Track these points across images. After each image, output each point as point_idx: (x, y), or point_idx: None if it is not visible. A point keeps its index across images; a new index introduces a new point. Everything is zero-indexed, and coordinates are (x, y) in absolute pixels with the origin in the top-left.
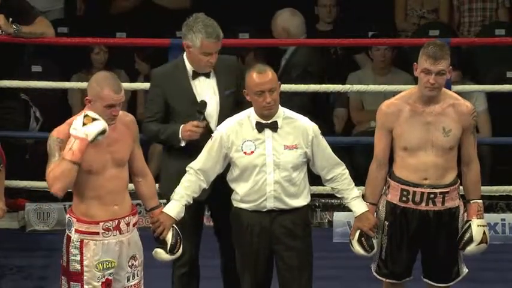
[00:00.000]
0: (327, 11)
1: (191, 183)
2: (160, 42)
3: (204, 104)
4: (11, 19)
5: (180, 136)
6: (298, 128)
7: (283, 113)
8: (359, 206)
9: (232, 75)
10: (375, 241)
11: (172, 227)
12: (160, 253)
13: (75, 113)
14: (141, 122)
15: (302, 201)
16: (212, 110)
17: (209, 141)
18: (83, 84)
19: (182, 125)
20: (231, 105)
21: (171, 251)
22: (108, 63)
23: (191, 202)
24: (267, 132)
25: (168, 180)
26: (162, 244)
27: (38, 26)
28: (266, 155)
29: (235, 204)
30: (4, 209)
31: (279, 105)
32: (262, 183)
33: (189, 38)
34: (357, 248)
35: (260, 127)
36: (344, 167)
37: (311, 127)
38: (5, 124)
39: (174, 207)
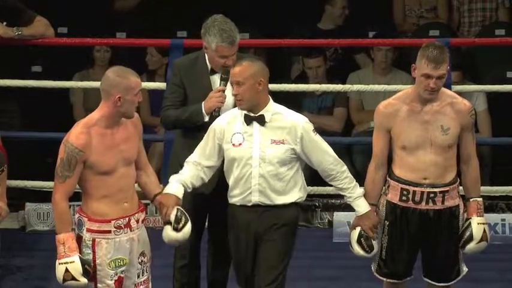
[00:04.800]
0: (342, 13)
1: (189, 171)
2: (160, 42)
3: (227, 71)
4: (5, 23)
5: (203, 111)
6: (287, 124)
7: (273, 108)
8: (362, 205)
9: None
10: (374, 242)
11: (178, 208)
12: (167, 230)
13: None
14: (144, 121)
15: (290, 198)
16: (227, 106)
17: (206, 134)
18: (83, 83)
19: (204, 101)
20: None
21: (175, 230)
22: (112, 60)
23: (189, 187)
24: (255, 125)
25: (178, 169)
26: (169, 222)
27: (38, 26)
28: (252, 148)
29: (228, 199)
30: (6, 209)
31: (271, 101)
32: (248, 176)
33: (205, 40)
34: (357, 249)
35: (248, 120)
36: (342, 164)
37: (301, 124)
38: (3, 127)
39: (172, 186)
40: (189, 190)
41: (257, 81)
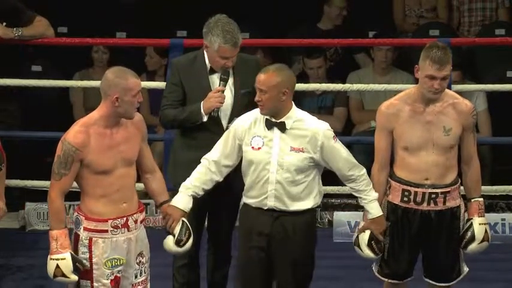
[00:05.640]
0: (340, 13)
1: (200, 175)
2: (160, 42)
3: (227, 71)
4: (4, 23)
5: (202, 111)
6: (308, 132)
7: (295, 115)
8: (375, 209)
9: (251, 75)
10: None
11: (183, 221)
12: (169, 241)
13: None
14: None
15: (306, 204)
16: (226, 107)
17: (226, 132)
18: (83, 83)
19: (203, 101)
20: (246, 104)
21: (177, 244)
22: (111, 61)
23: (200, 193)
24: (276, 131)
25: (176, 169)
26: (172, 235)
27: (38, 27)
28: (271, 153)
29: (244, 199)
30: (4, 208)
31: (294, 108)
32: (265, 181)
33: (208, 39)
34: (367, 252)
35: (269, 125)
36: (361, 168)
37: (321, 132)
38: (3, 127)
39: (181, 199)
40: (198, 197)
41: (281, 91)
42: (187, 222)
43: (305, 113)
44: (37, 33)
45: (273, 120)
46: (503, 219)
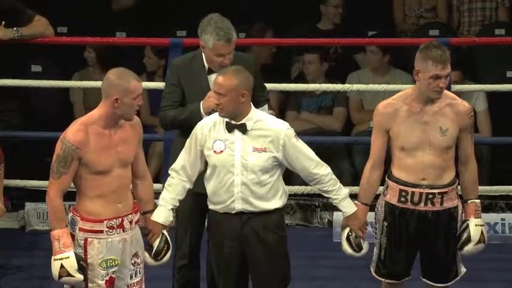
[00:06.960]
0: (336, 11)
1: (174, 186)
2: (159, 41)
3: None
4: (4, 22)
5: (201, 111)
6: (269, 132)
7: (255, 116)
8: (347, 207)
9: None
10: (364, 242)
11: (163, 234)
12: (146, 255)
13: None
14: (144, 121)
15: (273, 204)
16: None
17: (188, 139)
18: (82, 83)
19: (202, 101)
20: None
21: (155, 257)
22: (101, 60)
23: (177, 205)
24: (237, 133)
25: None
26: (151, 248)
27: (37, 26)
28: (234, 155)
29: (209, 206)
30: (3, 208)
31: (253, 109)
32: (230, 184)
33: (202, 39)
34: (345, 247)
35: (229, 127)
36: (326, 167)
37: (283, 131)
38: (2, 127)
39: (161, 213)
40: (175, 208)
41: (240, 93)
42: (166, 235)
43: (264, 113)
44: (37, 33)
45: (233, 122)
46: (502, 219)
